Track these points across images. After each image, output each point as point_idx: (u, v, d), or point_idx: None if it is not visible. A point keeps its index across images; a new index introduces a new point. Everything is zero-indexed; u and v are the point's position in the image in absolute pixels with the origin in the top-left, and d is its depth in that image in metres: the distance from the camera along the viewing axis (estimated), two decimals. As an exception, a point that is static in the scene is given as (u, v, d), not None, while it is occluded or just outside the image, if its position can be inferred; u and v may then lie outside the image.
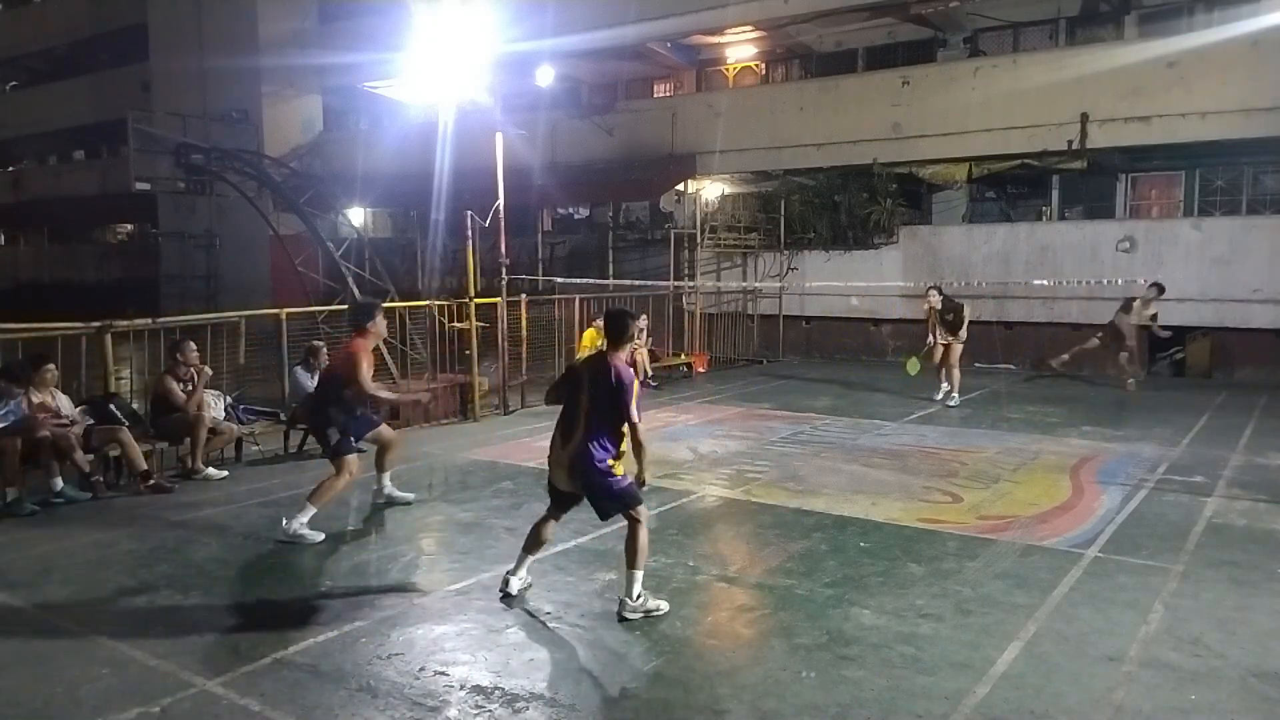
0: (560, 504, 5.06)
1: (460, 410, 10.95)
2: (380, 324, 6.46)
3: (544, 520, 5.11)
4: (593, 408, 4.76)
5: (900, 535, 6.13)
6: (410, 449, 9.02)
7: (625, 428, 4.72)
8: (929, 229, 17.92)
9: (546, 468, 5.03)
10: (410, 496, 7.00)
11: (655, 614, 4.70)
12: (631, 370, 4.93)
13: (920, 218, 18.51)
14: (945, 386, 12.21)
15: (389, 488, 6.95)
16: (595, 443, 4.71)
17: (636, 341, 13.64)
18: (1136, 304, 12.84)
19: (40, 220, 35.63)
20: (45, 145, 35.81)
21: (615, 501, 4.81)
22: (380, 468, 6.93)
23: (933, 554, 5.72)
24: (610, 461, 4.74)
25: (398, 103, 24.88)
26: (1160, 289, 12.82)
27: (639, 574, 4.72)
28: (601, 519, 4.99)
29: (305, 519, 5.99)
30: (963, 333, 12.08)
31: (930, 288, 12.65)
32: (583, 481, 4.80)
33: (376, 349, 7.07)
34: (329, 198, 20.51)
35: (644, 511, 4.82)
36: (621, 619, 4.64)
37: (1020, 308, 16.11)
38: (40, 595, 5.03)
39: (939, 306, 12.13)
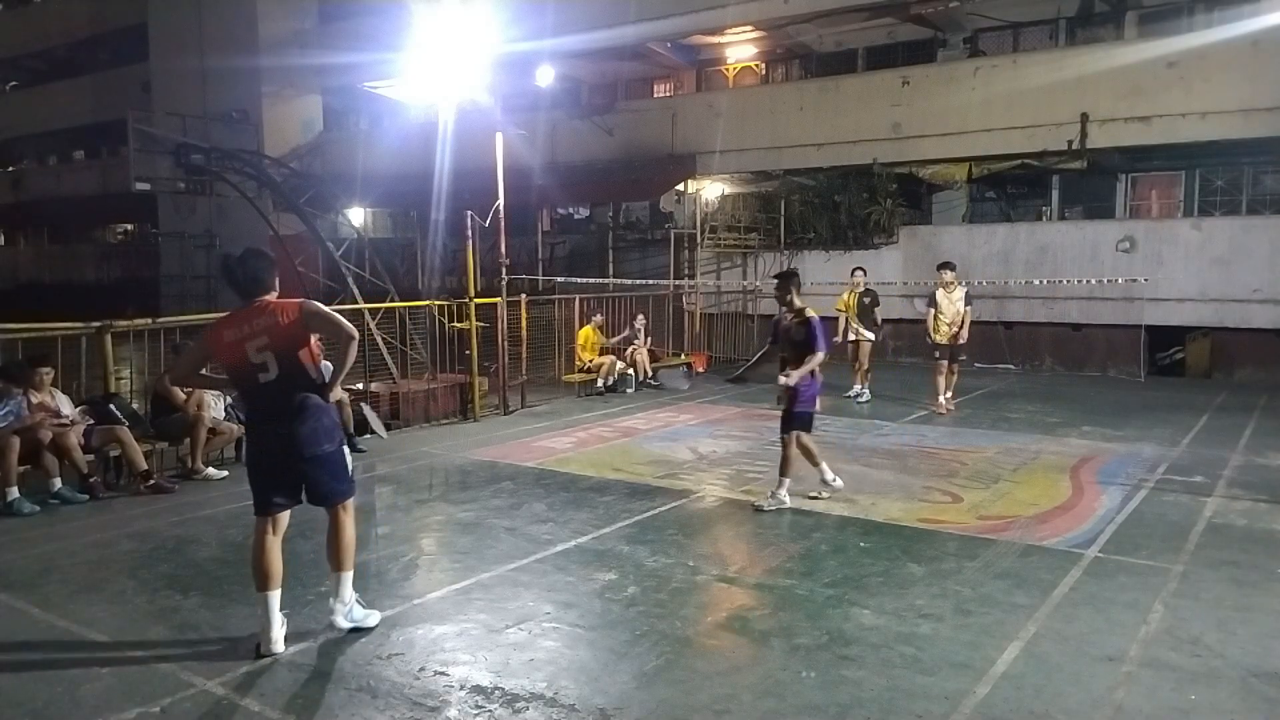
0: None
1: (460, 410, 10.95)
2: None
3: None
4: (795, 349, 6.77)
5: (900, 535, 6.13)
6: (410, 449, 9.03)
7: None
8: (929, 229, 17.92)
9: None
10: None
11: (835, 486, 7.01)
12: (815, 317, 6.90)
13: (920, 218, 18.51)
14: (857, 387, 11.99)
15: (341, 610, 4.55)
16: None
17: (636, 341, 13.69)
18: (939, 293, 11.31)
19: (40, 220, 35.67)
20: (45, 145, 35.81)
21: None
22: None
23: (933, 554, 5.72)
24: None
25: (398, 103, 24.88)
26: (949, 266, 11.40)
27: (822, 466, 7.00)
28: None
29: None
30: (875, 326, 11.81)
31: (856, 269, 12.30)
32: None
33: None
34: (329, 198, 20.50)
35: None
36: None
37: (1020, 308, 16.13)
38: (40, 595, 5.02)
39: (861, 289, 11.92)
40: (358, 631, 4.48)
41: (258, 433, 4.39)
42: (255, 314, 4.26)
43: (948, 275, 11.21)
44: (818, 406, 6.99)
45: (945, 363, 11.23)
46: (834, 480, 7.04)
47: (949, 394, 11.28)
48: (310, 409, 4.25)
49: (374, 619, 4.59)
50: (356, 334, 4.35)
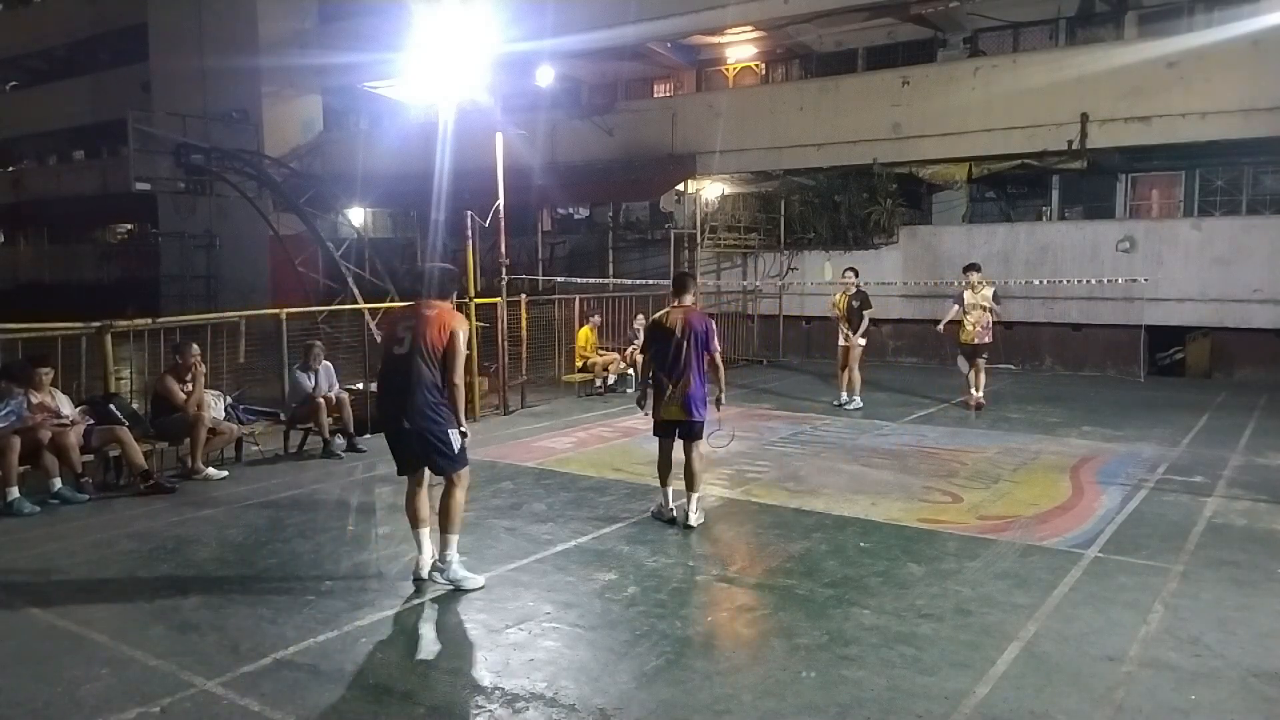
0: (671, 434, 6.33)
1: (460, 410, 10.93)
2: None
3: (667, 453, 6.36)
4: (691, 353, 6.13)
5: (900, 535, 6.13)
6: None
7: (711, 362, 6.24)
8: (929, 229, 17.92)
9: (652, 415, 6.30)
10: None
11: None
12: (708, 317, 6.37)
13: (920, 218, 18.52)
14: (844, 396, 11.60)
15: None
16: (699, 379, 6.18)
17: (637, 341, 13.68)
18: (967, 294, 11.32)
19: (40, 220, 35.68)
20: (45, 145, 35.82)
21: (702, 425, 6.27)
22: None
23: (933, 554, 5.72)
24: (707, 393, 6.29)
25: (398, 103, 24.89)
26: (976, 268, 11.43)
27: (697, 493, 6.30)
28: (698, 438, 6.28)
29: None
30: (862, 328, 11.46)
31: (848, 269, 12.03)
32: (691, 410, 6.17)
33: None
34: (329, 198, 20.54)
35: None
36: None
37: (1020, 308, 16.12)
38: (40, 595, 5.02)
39: (852, 292, 11.51)
40: (459, 591, 4.97)
41: (380, 411, 5.24)
42: (422, 307, 5.09)
43: (974, 277, 11.27)
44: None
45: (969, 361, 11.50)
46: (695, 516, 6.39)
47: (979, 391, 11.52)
48: (422, 390, 4.86)
49: (473, 583, 5.04)
50: (458, 382, 4.94)
